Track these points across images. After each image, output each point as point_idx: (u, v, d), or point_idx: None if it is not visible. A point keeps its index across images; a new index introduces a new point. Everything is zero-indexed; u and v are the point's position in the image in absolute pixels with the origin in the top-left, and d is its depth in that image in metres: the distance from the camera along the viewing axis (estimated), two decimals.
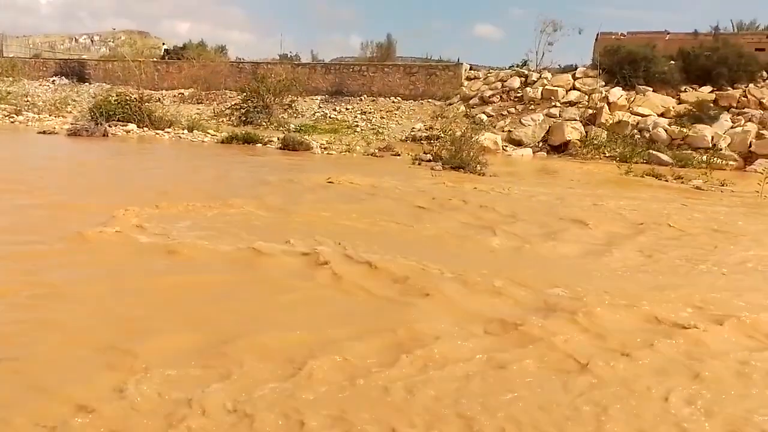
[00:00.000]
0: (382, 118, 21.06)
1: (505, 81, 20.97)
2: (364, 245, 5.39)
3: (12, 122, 19.42)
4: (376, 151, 15.72)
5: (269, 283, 4.44)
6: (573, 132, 17.71)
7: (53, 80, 27.25)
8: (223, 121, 20.93)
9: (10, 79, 26.26)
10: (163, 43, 35.86)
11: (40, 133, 16.65)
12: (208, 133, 18.16)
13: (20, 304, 3.75)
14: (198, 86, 24.20)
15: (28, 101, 23.31)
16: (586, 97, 19.32)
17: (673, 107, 18.53)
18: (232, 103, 22.56)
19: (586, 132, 17.83)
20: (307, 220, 6.64)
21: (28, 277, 4.26)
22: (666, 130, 17.33)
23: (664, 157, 15.72)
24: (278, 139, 16.45)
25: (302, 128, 19.53)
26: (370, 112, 21.55)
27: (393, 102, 22.13)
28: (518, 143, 18.12)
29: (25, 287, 4.03)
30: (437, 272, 4.70)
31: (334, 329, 3.52)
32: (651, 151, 16.24)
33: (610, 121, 17.97)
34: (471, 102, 20.85)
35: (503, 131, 18.72)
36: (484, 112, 19.90)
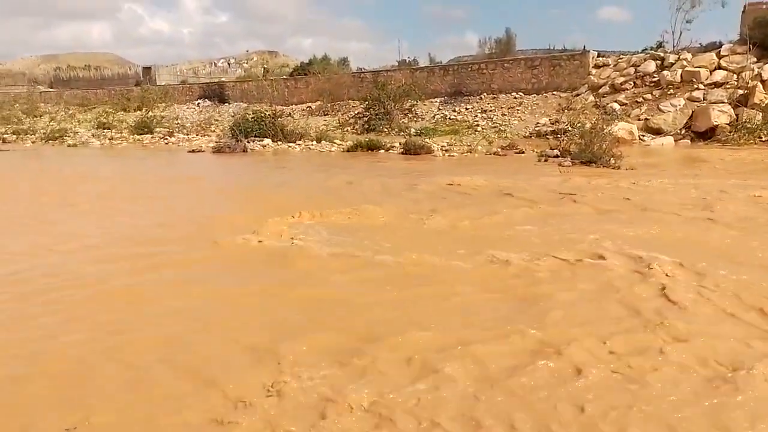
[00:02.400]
0: (503, 115, 20.59)
1: (639, 66, 19.50)
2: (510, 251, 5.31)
3: (166, 143, 21.79)
4: (499, 149, 15.39)
5: (402, 285, 4.52)
6: (721, 116, 15.97)
7: (198, 103, 30.13)
8: (347, 130, 21.75)
9: (163, 104, 29.48)
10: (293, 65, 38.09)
11: (189, 151, 18.51)
12: (335, 142, 18.97)
13: (180, 308, 4.18)
14: (324, 99, 25.40)
15: (178, 123, 26.02)
16: (735, 76, 17.35)
17: None
18: (356, 113, 23.37)
19: (737, 115, 15.99)
20: (437, 227, 6.67)
21: (185, 283, 4.74)
22: None
23: None
24: (400, 144, 16.74)
25: (423, 131, 19.69)
26: (490, 110, 21.16)
27: (514, 98, 21.54)
28: (657, 132, 16.74)
29: (183, 292, 4.50)
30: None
31: (468, 330, 3.52)
32: None
33: (766, 101, 15.95)
34: (600, 91, 19.67)
35: (639, 120, 17.41)
36: (616, 101, 18.67)
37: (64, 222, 7.42)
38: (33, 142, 23.66)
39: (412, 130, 20.23)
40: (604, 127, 12.79)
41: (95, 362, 3.30)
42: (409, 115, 22.17)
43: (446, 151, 15.87)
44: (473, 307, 3.98)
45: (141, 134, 23.70)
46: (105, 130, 25.23)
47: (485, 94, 22.41)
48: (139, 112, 27.98)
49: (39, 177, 13.23)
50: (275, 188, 10.25)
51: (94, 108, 31.60)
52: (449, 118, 21.44)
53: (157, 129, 24.32)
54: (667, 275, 4.41)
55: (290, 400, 2.80)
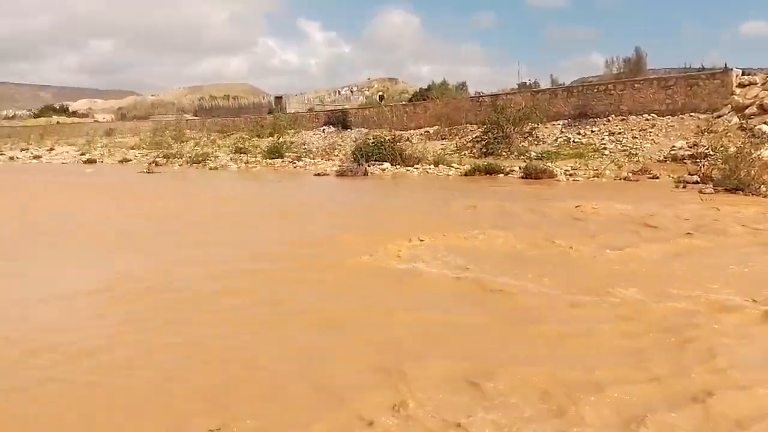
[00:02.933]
0: (634, 137, 19.38)
1: None
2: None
3: (294, 167, 23.18)
4: (629, 174, 14.51)
5: (526, 317, 4.40)
6: None
7: (323, 129, 31.76)
8: (465, 154, 21.70)
9: (292, 131, 31.44)
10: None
11: (315, 174, 19.53)
12: (452, 166, 19.02)
13: (308, 323, 4.39)
14: (441, 123, 25.61)
15: (305, 148, 27.58)
16: None
17: None
18: (473, 136, 23.28)
19: None
20: (556, 255, 6.43)
21: (315, 303, 4.97)
22: None
23: None
24: (519, 168, 16.39)
25: (544, 155, 19.11)
26: (619, 133, 20.02)
27: (646, 119, 20.21)
28: None
29: (313, 312, 4.72)
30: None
31: (605, 370, 3.33)
32: None
33: None
34: (746, 112, 17.85)
35: None
36: (765, 123, 16.84)
37: (207, 237, 8.14)
38: (180, 165, 26.29)
39: (533, 153, 19.71)
40: (752, 151, 11.60)
41: (236, 370, 3.56)
42: (530, 139, 21.63)
43: (570, 175, 15.26)
44: (609, 349, 3.76)
45: (272, 158, 25.42)
46: (241, 155, 27.40)
47: (613, 115, 21.27)
48: (271, 138, 30.08)
49: (189, 196, 14.66)
50: (395, 211, 10.48)
51: (232, 134, 34.47)
52: (573, 141, 20.61)
53: (287, 153, 25.96)
54: None
55: (415, 422, 2.82)
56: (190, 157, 27.44)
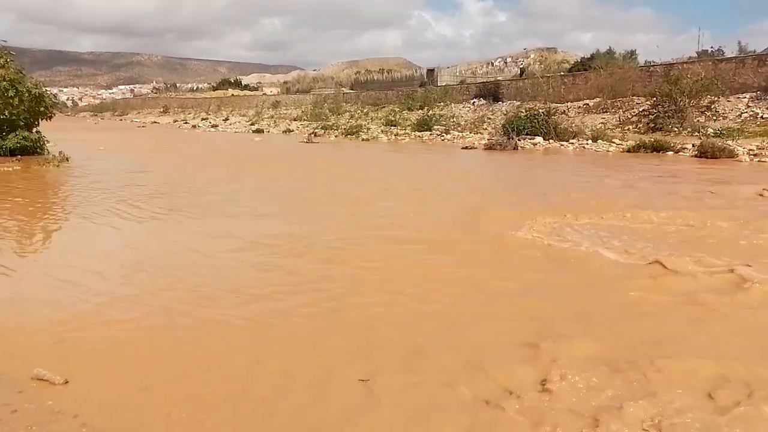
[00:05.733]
0: None
1: None
2: None
3: (442, 140, 23.26)
4: None
5: (686, 302, 4.03)
6: None
7: (473, 102, 31.31)
8: (629, 129, 20.05)
9: (442, 104, 31.45)
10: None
11: (463, 148, 19.41)
12: (613, 142, 17.71)
13: (461, 293, 4.45)
14: (604, 95, 23.85)
15: (454, 122, 27.48)
16: None
17: None
18: (640, 110, 21.37)
19: None
20: (729, 237, 5.74)
21: (467, 269, 5.02)
22: None
23: None
24: (693, 145, 14.76)
25: (723, 132, 16.97)
26: None
27: None
28: None
29: (462, 278, 4.77)
30: None
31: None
32: None
33: None
34: None
35: None
36: None
37: (372, 204, 8.56)
38: (335, 137, 27.73)
39: (710, 130, 17.61)
40: None
41: (382, 328, 3.75)
42: (707, 113, 19.31)
43: (755, 155, 13.41)
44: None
45: (421, 131, 25.75)
46: (392, 127, 28.11)
47: None
48: (421, 111, 30.41)
49: (351, 169, 15.49)
50: (547, 186, 10.08)
51: (384, 107, 35.45)
52: (762, 117, 18.00)
53: (435, 127, 26.10)
54: None
55: (561, 400, 2.76)
56: (344, 128, 28.79)
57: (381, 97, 39.00)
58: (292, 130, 33.28)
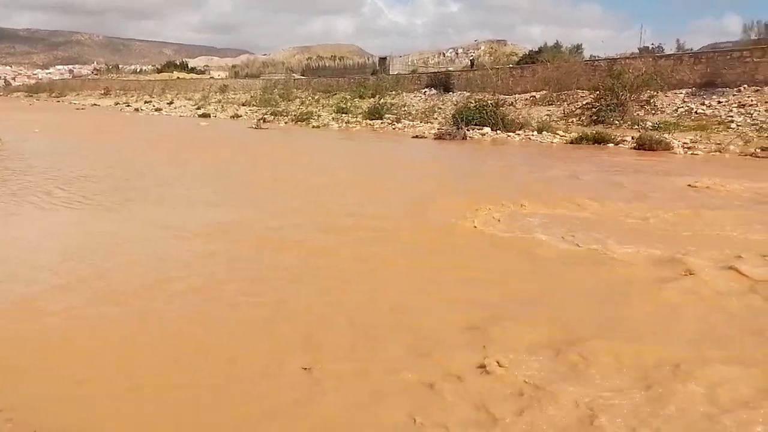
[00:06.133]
0: (767, 111, 17.43)
1: None
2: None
3: (393, 128, 23.27)
4: (758, 150, 13.12)
5: (622, 287, 4.20)
6: None
7: (424, 91, 31.45)
8: (572, 122, 20.63)
9: (394, 92, 31.43)
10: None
11: (413, 137, 19.50)
12: (557, 133, 18.19)
13: (406, 280, 4.48)
14: (550, 88, 24.42)
15: (405, 110, 27.54)
16: None
17: None
18: (584, 103, 22.02)
19: None
20: (659, 225, 6.02)
21: (410, 257, 5.05)
22: None
23: None
24: (632, 138, 15.35)
25: (661, 126, 17.71)
26: (750, 105, 18.07)
27: None
28: None
29: (408, 266, 4.80)
30: None
31: (698, 348, 3.13)
32: None
33: None
34: None
35: None
36: None
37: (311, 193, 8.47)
38: (285, 123, 27.28)
39: (648, 123, 18.34)
40: None
41: (330, 316, 3.73)
42: (647, 107, 20.09)
43: (688, 148, 14.09)
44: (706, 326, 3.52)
45: (372, 119, 25.67)
46: (343, 115, 27.91)
47: (746, 85, 19.18)
48: (372, 99, 30.31)
49: (296, 154, 15.27)
50: (493, 176, 10.28)
51: (336, 94, 35.13)
52: (696, 112, 18.89)
53: (387, 115, 26.08)
54: None
55: (501, 383, 2.83)
56: (295, 115, 28.38)
57: (333, 84, 38.62)
58: (241, 116, 32.52)
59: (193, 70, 70.43)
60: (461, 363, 3.03)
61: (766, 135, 15.51)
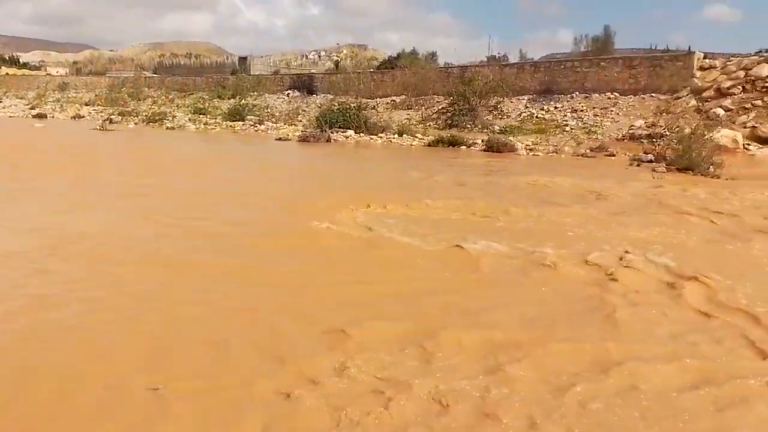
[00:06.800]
0: (595, 116, 19.71)
1: (750, 69, 17.97)
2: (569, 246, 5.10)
3: (256, 130, 22.70)
4: (587, 151, 14.78)
5: (473, 279, 4.46)
6: None
7: (288, 93, 31.11)
8: (430, 125, 21.67)
9: (255, 93, 30.68)
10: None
11: (277, 139, 19.17)
12: (416, 137, 18.97)
13: (259, 287, 4.34)
14: (408, 93, 25.42)
15: (268, 112, 27.00)
16: None
17: None
18: (439, 108, 23.23)
19: None
20: (506, 223, 6.52)
21: (263, 264, 4.91)
22: None
23: None
24: (482, 141, 16.48)
25: (507, 129, 19.27)
26: (581, 110, 20.33)
27: (609, 98, 20.56)
28: (765, 141, 15.39)
29: (261, 273, 4.67)
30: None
31: (539, 331, 3.41)
32: None
33: None
34: (704, 95, 18.34)
35: (745, 127, 16.08)
36: (720, 106, 17.35)
37: (157, 198, 7.91)
38: (135, 124, 25.38)
39: (497, 127, 19.84)
40: (706, 133, 11.94)
41: (178, 331, 3.49)
42: (495, 113, 21.74)
43: (530, 150, 15.45)
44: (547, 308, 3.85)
45: (233, 121, 24.82)
46: (200, 116, 26.62)
47: (577, 93, 21.55)
48: (233, 100, 29.30)
49: (142, 158, 14.19)
50: (354, 178, 10.42)
51: (192, 94, 33.43)
52: (536, 117, 20.82)
53: (249, 117, 25.37)
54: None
55: (357, 382, 2.84)
56: (146, 115, 26.52)
57: (189, 83, 36.75)
58: (83, 116, 29.63)
59: (25, 65, 62.92)
60: (319, 367, 2.99)
61: (594, 137, 17.53)
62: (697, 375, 2.96)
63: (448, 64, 29.78)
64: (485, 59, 29.97)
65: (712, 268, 4.65)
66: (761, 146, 15.13)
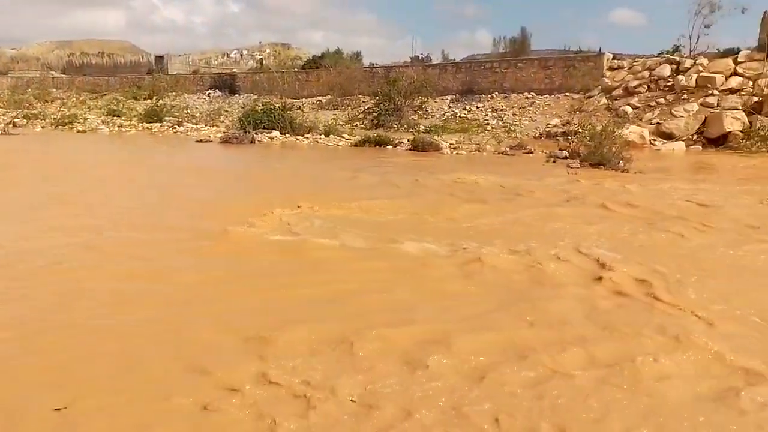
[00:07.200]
0: (514, 115, 20.46)
1: (653, 69, 19.28)
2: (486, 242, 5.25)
3: (175, 132, 21.80)
4: (507, 149, 15.29)
5: (399, 278, 4.48)
6: (734, 122, 15.77)
7: (209, 93, 30.16)
8: (356, 125, 21.68)
9: (174, 93, 29.52)
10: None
11: (197, 141, 18.51)
12: (343, 137, 18.92)
13: (175, 295, 4.15)
14: (334, 93, 25.32)
15: (188, 113, 26.03)
16: (750, 83, 17.12)
17: None
18: (366, 108, 23.30)
19: (750, 122, 15.79)
20: (432, 222, 6.62)
21: (181, 270, 4.71)
22: None
23: None
24: (408, 140, 16.67)
25: (432, 129, 19.60)
26: (501, 110, 21.04)
27: (526, 98, 21.40)
28: (668, 136, 16.55)
29: (177, 280, 4.47)
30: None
31: (463, 324, 3.48)
32: None
33: None
34: (614, 94, 19.48)
35: (651, 124, 17.22)
36: (628, 104, 18.49)
37: (66, 205, 7.42)
38: (43, 127, 23.74)
39: (422, 127, 20.14)
40: (615, 130, 12.66)
41: (88, 346, 3.28)
42: (419, 112, 22.07)
43: (454, 149, 15.79)
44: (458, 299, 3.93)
45: (150, 122, 23.73)
46: (115, 118, 25.27)
47: (497, 93, 22.29)
48: (149, 100, 28.04)
49: (47, 162, 13.28)
50: (279, 180, 10.24)
51: (105, 95, 31.71)
52: (459, 116, 21.33)
53: (167, 118, 24.35)
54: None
55: (279, 388, 2.77)
56: (55, 118, 24.87)
57: (101, 83, 34.86)
58: None
59: None
60: (240, 376, 2.89)
61: (513, 135, 18.17)
62: (605, 359, 3.11)
63: (373, 64, 29.93)
64: (409, 60, 30.35)
65: (634, 255, 4.92)
66: (665, 141, 16.25)
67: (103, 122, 24.23)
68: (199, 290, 4.23)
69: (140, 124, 23.60)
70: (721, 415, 2.60)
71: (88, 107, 29.18)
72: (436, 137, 17.21)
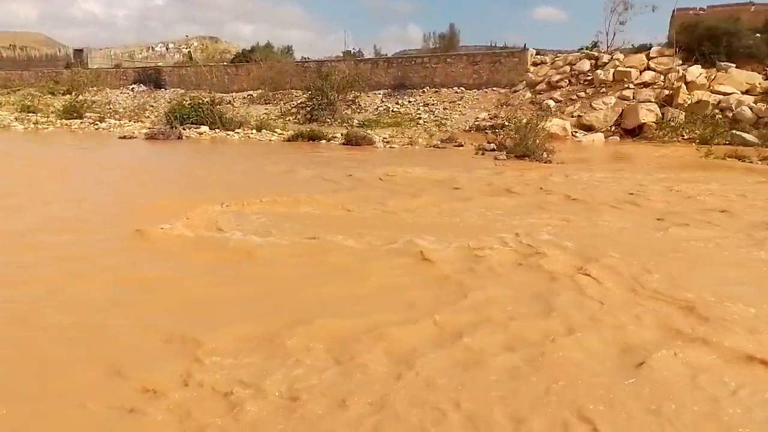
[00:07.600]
0: (445, 109, 20.87)
1: (574, 64, 20.19)
2: (429, 236, 5.37)
3: (96, 129, 20.76)
4: (439, 142, 15.60)
5: (331, 273, 4.51)
6: (648, 114, 16.81)
7: (132, 88, 28.91)
8: (289, 120, 21.43)
9: (95, 88, 28.09)
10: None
11: (120, 138, 17.71)
12: (275, 132, 18.67)
13: (93, 298, 4.01)
14: (266, 87, 24.89)
15: (110, 109, 24.86)
16: (662, 77, 18.28)
17: (760, 83, 17.17)
18: (298, 102, 23.07)
19: (663, 114, 16.88)
20: (366, 215, 6.69)
21: (100, 272, 4.54)
22: (752, 109, 16.09)
23: (748, 137, 14.58)
24: (341, 135, 16.67)
25: (365, 123, 19.68)
26: (432, 104, 21.41)
27: (456, 92, 21.88)
28: (589, 128, 17.42)
29: (96, 282, 4.31)
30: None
31: (391, 315, 3.56)
32: (734, 131, 15.12)
33: (689, 102, 16.91)
34: (537, 88, 20.25)
35: (572, 117, 18.05)
36: (551, 98, 19.28)
37: None
38: None
39: (355, 121, 20.18)
40: (539, 122, 13.20)
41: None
42: (353, 107, 22.09)
43: (387, 143, 15.93)
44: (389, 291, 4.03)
45: (70, 119, 22.49)
46: (30, 114, 23.76)
47: (428, 87, 22.65)
48: (68, 96, 26.55)
49: None
50: (208, 176, 9.99)
51: (19, 90, 29.76)
52: (392, 111, 21.52)
53: (88, 114, 23.16)
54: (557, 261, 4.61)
55: (205, 388, 2.75)
56: None
57: (14, 78, 32.69)
58: None
59: None
60: (164, 378, 2.83)
61: (444, 129, 18.55)
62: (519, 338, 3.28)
63: (305, 58, 29.64)
64: (341, 54, 30.28)
65: (564, 239, 5.17)
66: (586, 133, 17.09)
67: (16, 119, 22.72)
68: (120, 292, 4.09)
69: (59, 121, 22.32)
70: None
71: (0, 104, 27.27)
72: (369, 131, 17.30)
